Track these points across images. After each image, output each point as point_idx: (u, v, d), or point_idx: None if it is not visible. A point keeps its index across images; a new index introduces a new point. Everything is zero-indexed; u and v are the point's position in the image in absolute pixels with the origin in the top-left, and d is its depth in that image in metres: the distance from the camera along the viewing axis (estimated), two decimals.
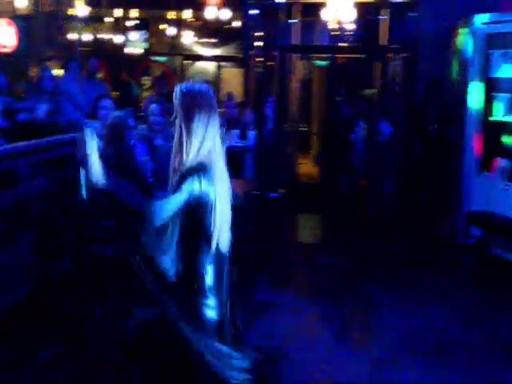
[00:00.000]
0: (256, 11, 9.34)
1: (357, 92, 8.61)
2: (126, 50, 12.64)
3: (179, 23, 12.88)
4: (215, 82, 10.93)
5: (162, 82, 8.72)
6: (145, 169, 4.31)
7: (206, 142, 2.15)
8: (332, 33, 8.94)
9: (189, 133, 2.16)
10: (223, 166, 2.22)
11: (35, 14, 9.57)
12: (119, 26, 12.70)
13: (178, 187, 2.11)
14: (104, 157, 4.06)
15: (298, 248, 6.21)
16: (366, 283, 5.10)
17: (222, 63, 13.02)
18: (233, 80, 11.04)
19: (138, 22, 12.75)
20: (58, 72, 7.55)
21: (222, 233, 2.17)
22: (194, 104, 2.16)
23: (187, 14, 12.40)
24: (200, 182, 2.10)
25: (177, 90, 2.21)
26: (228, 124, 7.01)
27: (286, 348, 3.84)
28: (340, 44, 9.27)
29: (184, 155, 2.16)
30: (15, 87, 6.99)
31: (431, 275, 5.26)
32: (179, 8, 12.23)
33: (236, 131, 6.69)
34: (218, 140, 2.20)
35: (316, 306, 4.63)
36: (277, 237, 5.81)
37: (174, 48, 13.20)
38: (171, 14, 12.64)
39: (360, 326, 4.40)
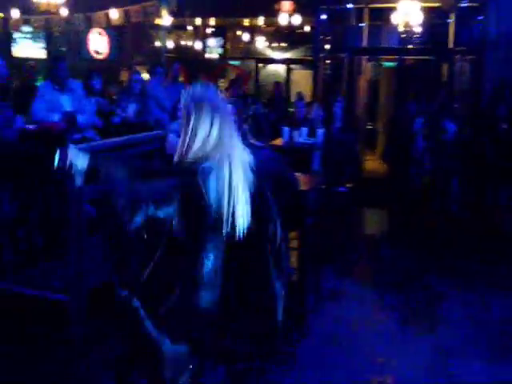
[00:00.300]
0: (326, 16, 9.33)
1: (424, 92, 8.42)
2: (205, 55, 12.94)
3: (253, 29, 13.03)
4: (286, 83, 10.97)
5: (236, 84, 8.84)
6: None
7: (210, 139, 2.03)
8: (400, 35, 8.80)
9: (188, 132, 2.05)
10: (239, 158, 2.07)
11: (125, 24, 9.93)
12: (199, 34, 12.99)
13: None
14: None
15: (364, 240, 6.12)
16: (430, 275, 4.95)
17: (292, 65, 13.07)
18: (302, 81, 11.04)
19: (215, 29, 13.02)
20: (145, 76, 7.82)
21: (236, 219, 2.00)
22: (194, 106, 2.06)
23: (260, 21, 12.54)
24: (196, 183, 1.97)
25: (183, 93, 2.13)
26: (298, 122, 7.03)
27: (352, 334, 3.81)
28: (408, 46, 9.12)
29: (186, 152, 2.05)
30: (108, 90, 7.32)
31: (496, 268, 5.04)
32: (253, 15, 12.36)
33: (305, 129, 6.68)
34: (227, 136, 2.07)
35: (381, 296, 4.55)
36: (343, 229, 5.75)
37: (248, 52, 13.37)
38: (246, 21, 12.81)
39: (424, 317, 4.27)
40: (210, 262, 2.01)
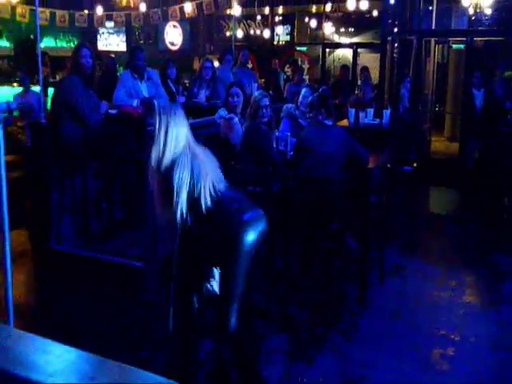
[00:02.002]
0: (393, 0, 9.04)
1: (494, 74, 7.97)
2: (273, 43, 12.95)
3: (320, 15, 12.86)
4: (353, 66, 10.76)
5: (299, 69, 8.79)
6: (284, 142, 4.43)
7: (172, 143, 2.35)
8: (469, 17, 8.39)
9: (158, 139, 2.36)
10: (202, 154, 2.40)
11: (198, 16, 10.14)
12: (267, 22, 13.01)
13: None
14: (244, 129, 4.27)
15: (429, 218, 5.96)
16: (496, 254, 4.74)
17: (360, 49, 12.81)
18: (369, 64, 10.79)
19: (283, 17, 12.98)
20: (215, 64, 7.96)
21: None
22: (159, 118, 2.38)
23: (328, 7, 12.35)
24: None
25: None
26: (364, 103, 6.90)
27: (414, 308, 3.75)
28: (477, 28, 8.67)
29: (160, 154, 2.35)
30: (182, 78, 7.54)
31: None
32: (321, 2, 12.20)
33: (371, 110, 6.54)
34: (186, 139, 2.38)
35: (445, 273, 4.42)
36: (408, 207, 5.62)
37: (315, 38, 13.23)
38: (313, 8, 12.67)
39: (487, 294, 4.11)
40: None
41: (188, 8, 9.39)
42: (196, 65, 9.77)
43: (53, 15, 9.24)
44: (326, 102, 4.04)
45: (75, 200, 4.32)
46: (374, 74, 9.09)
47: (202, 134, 4.62)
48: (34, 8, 5.02)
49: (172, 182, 2.28)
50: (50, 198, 4.12)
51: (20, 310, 3.23)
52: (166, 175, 2.31)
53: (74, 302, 3.70)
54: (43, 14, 8.41)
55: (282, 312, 3.62)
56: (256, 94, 4.44)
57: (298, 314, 3.61)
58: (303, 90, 5.28)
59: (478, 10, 7.98)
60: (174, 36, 10.57)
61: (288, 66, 10.07)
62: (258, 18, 12.97)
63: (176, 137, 2.37)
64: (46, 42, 12.22)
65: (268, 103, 4.23)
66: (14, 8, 8.98)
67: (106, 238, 4.18)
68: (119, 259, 3.82)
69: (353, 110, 6.40)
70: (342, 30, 13.17)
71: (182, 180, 2.28)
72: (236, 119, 4.39)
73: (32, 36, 11.49)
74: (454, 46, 10.02)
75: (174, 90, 6.01)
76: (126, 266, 3.79)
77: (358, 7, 11.34)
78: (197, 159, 2.35)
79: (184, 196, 2.28)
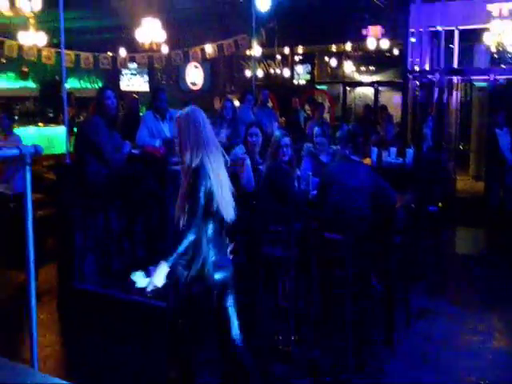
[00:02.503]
0: (414, 39, 9.25)
1: None
2: (293, 82, 13.25)
3: (340, 54, 13.15)
4: (374, 104, 10.92)
5: (321, 107, 8.94)
6: (306, 181, 4.50)
7: (196, 151, 2.58)
8: (492, 55, 8.51)
9: (184, 146, 2.62)
10: (220, 164, 2.65)
11: (219, 57, 10.49)
12: (287, 62, 13.34)
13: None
14: (265, 168, 4.36)
15: (455, 259, 5.89)
16: None
17: (381, 88, 13.00)
18: (390, 103, 10.93)
19: (303, 56, 13.30)
20: (236, 103, 8.17)
21: (225, 210, 2.62)
22: (183, 125, 2.65)
23: (348, 46, 12.65)
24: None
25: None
26: (387, 142, 6.97)
27: (442, 352, 3.69)
28: (500, 66, 8.78)
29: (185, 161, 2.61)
30: None
31: None
32: (341, 41, 12.51)
33: (394, 149, 6.60)
34: (210, 147, 2.62)
35: (472, 315, 4.35)
36: (434, 248, 5.57)
37: (335, 76, 13.48)
38: (333, 47, 12.98)
39: None
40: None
41: (209, 49, 9.75)
42: (217, 104, 10.03)
43: (78, 57, 9.67)
44: (354, 138, 4.11)
45: (98, 239, 4.41)
46: (396, 113, 9.21)
47: None
48: (60, 50, 5.30)
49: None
50: (74, 236, 4.23)
51: (41, 350, 3.27)
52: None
53: (94, 342, 3.74)
54: (68, 56, 8.81)
55: (305, 356, 3.60)
56: (276, 133, 4.55)
57: (323, 359, 3.58)
58: (315, 129, 5.41)
59: (500, 49, 8.09)
60: (195, 76, 10.92)
61: (308, 104, 10.27)
62: (278, 57, 13.32)
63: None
64: (71, 83, 12.71)
65: (288, 142, 4.33)
66: (39, 50, 9.43)
67: (128, 277, 4.23)
68: (141, 298, 3.87)
69: (375, 149, 6.47)
70: (363, 68, 13.42)
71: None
72: (248, 161, 4.50)
73: (57, 77, 11.98)
74: (477, 83, 10.13)
75: None
76: (147, 305, 3.84)
77: (378, 46, 11.60)
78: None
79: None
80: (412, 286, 4.61)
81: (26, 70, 12.51)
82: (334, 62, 13.35)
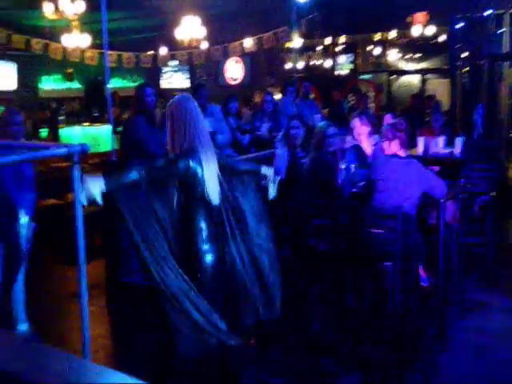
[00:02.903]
0: (462, 24, 8.97)
1: None
2: (335, 72, 13.12)
3: (384, 43, 12.91)
4: (421, 93, 10.67)
5: (365, 98, 8.81)
6: (350, 173, 4.47)
7: (186, 136, 2.69)
8: None
9: (172, 132, 2.74)
10: (210, 149, 2.74)
11: (258, 50, 10.50)
12: (328, 52, 13.21)
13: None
14: (309, 160, 4.35)
15: (509, 249, 5.69)
16: None
17: (427, 76, 12.69)
18: (438, 91, 10.65)
19: (345, 46, 13.14)
20: (277, 96, 8.18)
21: (211, 192, 2.70)
22: (171, 112, 2.77)
23: (393, 34, 12.41)
24: (187, 161, 2.65)
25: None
26: (435, 132, 6.80)
27: (498, 345, 3.58)
28: None
29: (175, 147, 2.73)
30: (242, 111, 7.79)
31: None
32: (385, 29, 12.29)
33: (442, 138, 6.44)
34: (200, 133, 2.72)
35: None
36: (486, 239, 5.40)
37: (379, 65, 13.25)
38: (377, 36, 12.75)
39: None
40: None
41: (248, 43, 9.78)
42: (257, 98, 10.06)
43: (120, 57, 9.92)
44: (399, 133, 4.05)
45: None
46: (444, 101, 8.97)
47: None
48: (103, 51, 5.44)
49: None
50: (120, 231, 4.35)
51: (92, 341, 3.38)
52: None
53: (141, 333, 3.83)
54: (111, 56, 9.05)
55: (354, 350, 3.57)
56: (321, 124, 4.53)
57: (372, 353, 3.55)
58: (355, 120, 5.35)
59: None
60: (234, 71, 10.99)
61: (351, 94, 10.15)
62: (319, 48, 13.20)
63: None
64: (114, 83, 13.05)
65: (333, 132, 4.31)
66: (83, 52, 9.73)
67: None
68: None
69: (423, 139, 6.33)
70: (408, 56, 13.13)
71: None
72: (278, 151, 4.53)
73: (100, 77, 12.33)
74: None
75: (234, 126, 6.22)
76: None
77: (423, 33, 11.32)
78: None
79: None
80: (465, 278, 4.50)
81: (70, 71, 12.94)
82: (377, 51, 13.14)
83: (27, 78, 12.76)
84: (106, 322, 4.28)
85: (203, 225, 2.70)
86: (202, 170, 2.67)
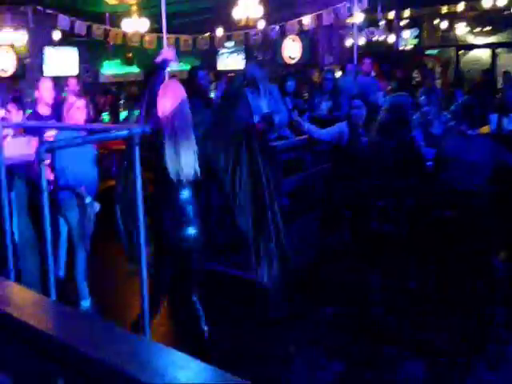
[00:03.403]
0: None
1: None
2: (399, 48, 12.70)
3: (452, 16, 12.34)
4: (492, 68, 10.15)
5: (431, 74, 8.47)
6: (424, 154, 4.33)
7: None
8: None
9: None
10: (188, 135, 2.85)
11: (317, 27, 10.30)
12: (392, 27, 12.78)
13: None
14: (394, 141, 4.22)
15: None
16: None
17: (498, 50, 12.03)
18: (510, 65, 10.08)
19: (409, 20, 12.67)
20: (337, 74, 8.01)
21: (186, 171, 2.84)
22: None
23: (461, 7, 11.82)
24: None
25: None
26: (508, 108, 6.43)
27: None
28: None
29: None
30: (301, 90, 7.69)
31: None
32: (453, 2, 11.73)
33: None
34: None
35: None
36: None
37: (446, 40, 12.70)
38: (444, 9, 12.21)
39: None
40: None
41: (307, 21, 9.60)
42: (316, 77, 9.90)
43: (177, 40, 10.03)
44: (470, 112, 3.91)
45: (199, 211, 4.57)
46: None
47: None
48: (161, 35, 5.50)
49: None
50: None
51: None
52: None
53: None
54: (169, 40, 9.16)
55: (417, 337, 3.47)
56: (396, 96, 4.40)
57: (436, 340, 3.44)
58: (421, 99, 5.17)
59: None
60: (292, 50, 10.83)
61: (416, 71, 9.78)
62: (382, 23, 12.79)
63: None
64: (171, 66, 13.25)
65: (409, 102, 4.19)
66: (142, 36, 9.91)
67: (230, 251, 4.37)
68: (244, 273, 3.96)
69: (495, 116, 6.03)
70: (477, 29, 12.50)
71: None
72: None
73: None
74: None
75: (291, 106, 6.13)
76: (250, 281, 3.91)
77: (494, 4, 10.74)
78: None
79: None
80: None
81: (130, 55, 13.24)
82: (444, 25, 12.59)
83: (88, 63, 13.17)
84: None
85: None
86: None
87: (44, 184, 1.82)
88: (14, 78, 11.03)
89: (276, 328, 3.64)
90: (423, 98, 5.34)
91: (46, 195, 1.81)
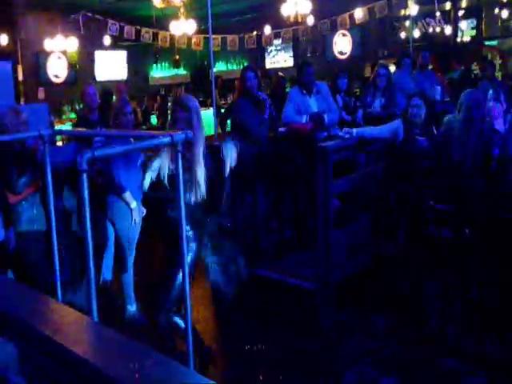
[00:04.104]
0: None
1: None
2: (457, 40, 12.27)
3: None
4: None
5: (491, 66, 8.09)
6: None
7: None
8: None
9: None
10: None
11: (369, 21, 10.09)
12: (449, 18, 12.36)
13: None
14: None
15: None
16: None
17: None
18: None
19: (467, 10, 12.22)
20: (392, 69, 7.78)
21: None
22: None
23: None
24: None
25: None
26: None
27: None
28: None
29: None
30: (352, 86, 7.54)
31: None
32: None
33: None
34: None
35: None
36: None
37: (508, 30, 12.14)
38: None
39: None
40: None
41: (359, 14, 9.41)
42: (368, 72, 9.69)
43: (224, 40, 10.09)
44: None
45: (246, 218, 4.56)
46: None
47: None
48: (207, 36, 5.52)
49: None
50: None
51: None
52: None
53: (242, 321, 3.85)
54: (215, 40, 9.22)
55: (479, 349, 3.30)
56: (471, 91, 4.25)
57: (500, 352, 3.25)
58: (489, 93, 4.94)
59: None
60: (342, 45, 10.70)
61: (475, 63, 9.40)
62: (438, 14, 12.40)
63: None
64: (218, 67, 13.35)
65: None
66: (189, 38, 10.04)
67: (276, 257, 4.32)
68: (290, 279, 3.91)
69: None
70: None
71: None
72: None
73: (206, 62, 12.67)
74: None
75: (341, 105, 6.00)
76: (296, 287, 3.86)
77: None
78: None
79: None
80: None
81: (177, 58, 13.44)
82: (505, 14, 12.03)
83: (137, 66, 13.46)
84: (208, 304, 4.33)
85: None
86: None
87: (85, 193, 1.82)
88: (67, 83, 11.44)
89: (325, 337, 3.56)
90: (490, 92, 5.11)
91: (86, 203, 1.81)
